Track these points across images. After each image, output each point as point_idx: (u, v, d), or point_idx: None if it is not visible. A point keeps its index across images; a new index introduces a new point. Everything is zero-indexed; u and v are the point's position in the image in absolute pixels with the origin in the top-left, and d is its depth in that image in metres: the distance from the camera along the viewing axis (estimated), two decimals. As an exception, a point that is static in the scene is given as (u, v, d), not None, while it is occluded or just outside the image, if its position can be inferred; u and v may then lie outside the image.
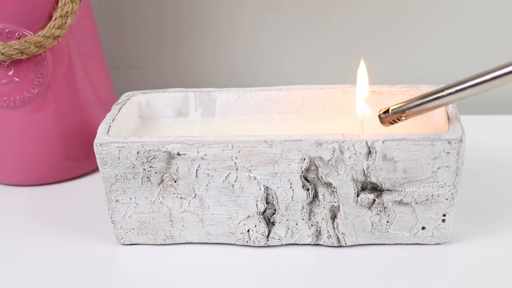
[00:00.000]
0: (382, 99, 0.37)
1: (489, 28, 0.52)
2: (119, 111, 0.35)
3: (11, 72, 0.39)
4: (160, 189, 0.33)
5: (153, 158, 0.32)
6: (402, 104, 0.32)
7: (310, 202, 0.32)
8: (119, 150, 0.31)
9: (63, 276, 0.32)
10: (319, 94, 0.37)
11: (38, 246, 0.35)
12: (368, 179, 0.31)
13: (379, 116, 0.33)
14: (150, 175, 0.32)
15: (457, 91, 0.30)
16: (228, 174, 0.32)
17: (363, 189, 0.31)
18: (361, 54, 0.53)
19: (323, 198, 0.32)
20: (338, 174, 0.31)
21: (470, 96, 0.29)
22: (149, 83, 0.57)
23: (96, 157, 0.32)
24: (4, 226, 0.38)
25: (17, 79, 0.39)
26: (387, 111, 0.33)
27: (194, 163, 0.32)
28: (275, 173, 0.31)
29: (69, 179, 0.43)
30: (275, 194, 0.32)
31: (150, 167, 0.32)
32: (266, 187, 0.32)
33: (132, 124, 0.37)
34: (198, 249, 0.34)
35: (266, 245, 0.34)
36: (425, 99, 0.31)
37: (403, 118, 0.32)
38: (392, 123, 0.33)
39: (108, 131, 0.33)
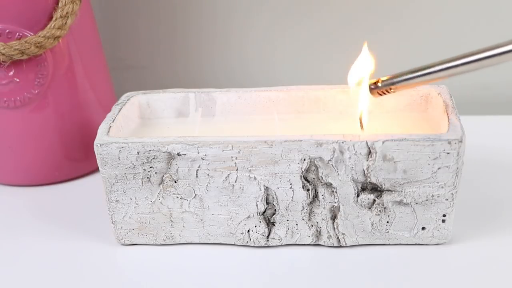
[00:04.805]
0: (382, 100, 0.37)
1: (489, 28, 0.52)
2: (119, 111, 0.35)
3: (11, 73, 0.39)
4: (160, 190, 0.33)
5: (153, 158, 0.32)
6: (392, 76, 0.32)
7: (310, 203, 0.32)
8: (119, 150, 0.31)
9: (63, 276, 0.32)
10: (319, 94, 0.37)
11: (38, 246, 0.35)
12: (368, 179, 0.31)
13: (369, 87, 0.33)
14: (150, 176, 0.32)
15: (447, 68, 0.30)
16: (228, 175, 0.32)
17: (363, 189, 0.32)
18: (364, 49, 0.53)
19: (323, 198, 0.32)
20: (338, 174, 0.31)
21: (459, 73, 0.29)
22: (149, 83, 0.57)
23: (97, 157, 0.32)
24: (5, 226, 0.38)
25: (18, 80, 0.39)
26: (377, 82, 0.33)
27: (194, 163, 0.32)
28: (275, 174, 0.31)
29: (70, 180, 0.43)
30: (275, 194, 0.32)
31: (150, 167, 0.32)
32: (266, 187, 0.32)
33: (132, 124, 0.37)
34: (198, 250, 0.34)
35: (266, 245, 0.34)
36: (415, 74, 0.31)
37: (392, 90, 0.32)
38: (381, 95, 0.33)
39: (109, 131, 0.33)
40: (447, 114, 0.32)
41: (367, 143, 0.30)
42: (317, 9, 0.53)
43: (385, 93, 0.33)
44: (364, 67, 0.34)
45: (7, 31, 0.38)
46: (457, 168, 0.30)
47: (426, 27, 0.52)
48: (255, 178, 0.32)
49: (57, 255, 0.34)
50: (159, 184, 0.32)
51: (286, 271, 0.32)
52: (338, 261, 0.32)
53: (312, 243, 0.33)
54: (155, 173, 0.32)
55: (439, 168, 0.30)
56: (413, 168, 0.30)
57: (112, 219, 0.34)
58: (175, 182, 0.32)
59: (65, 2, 0.38)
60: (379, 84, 0.33)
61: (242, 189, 0.32)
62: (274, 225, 0.33)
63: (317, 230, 0.33)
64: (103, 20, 0.53)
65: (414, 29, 0.53)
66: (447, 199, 0.31)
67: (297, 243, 0.34)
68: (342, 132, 0.32)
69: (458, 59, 0.29)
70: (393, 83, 0.32)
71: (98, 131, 0.33)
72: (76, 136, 0.42)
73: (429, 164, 0.30)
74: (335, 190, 0.32)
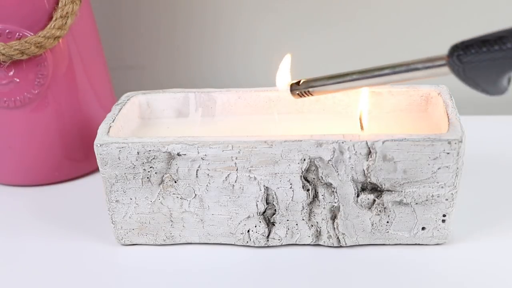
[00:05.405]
0: (382, 100, 0.37)
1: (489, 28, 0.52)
2: (119, 111, 0.35)
3: (11, 73, 0.39)
4: (160, 190, 0.33)
5: (153, 158, 0.32)
6: (311, 79, 0.32)
7: (310, 203, 0.32)
8: (119, 150, 0.31)
9: (63, 276, 0.32)
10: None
11: (38, 246, 0.35)
12: (368, 179, 0.31)
13: (290, 87, 0.33)
14: (150, 176, 0.32)
15: (364, 77, 0.30)
16: (228, 175, 0.32)
17: (363, 189, 0.32)
18: (361, 55, 0.54)
19: (323, 198, 0.32)
20: (338, 174, 0.31)
21: (377, 84, 0.30)
22: (149, 83, 0.57)
23: (97, 157, 0.32)
24: (5, 226, 0.38)
25: (18, 80, 0.39)
26: (298, 82, 0.33)
27: (194, 163, 0.32)
28: (275, 174, 0.31)
29: (70, 180, 0.43)
30: (275, 194, 0.32)
31: (150, 167, 0.32)
32: (266, 187, 0.32)
33: (132, 124, 0.37)
34: (198, 250, 0.34)
35: (266, 245, 0.34)
36: (333, 81, 0.31)
37: (311, 93, 0.33)
38: (301, 96, 0.33)
39: (109, 131, 0.33)
40: (447, 114, 0.32)
41: (367, 143, 0.30)
42: (317, 11, 0.53)
43: (304, 95, 0.33)
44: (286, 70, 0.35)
45: (7, 31, 0.38)
46: (457, 168, 0.30)
47: (428, 31, 0.53)
48: (255, 178, 0.32)
49: (57, 255, 0.34)
50: (159, 184, 0.32)
51: (286, 271, 0.32)
52: (338, 261, 0.32)
53: (312, 243, 0.33)
54: (155, 173, 0.32)
55: (439, 168, 0.30)
56: (413, 168, 0.30)
57: (112, 219, 0.34)
58: (175, 182, 0.32)
59: (65, 2, 0.38)
60: (300, 86, 0.33)
61: (242, 189, 0.32)
62: (274, 225, 0.33)
63: (317, 230, 0.33)
64: (103, 20, 0.53)
65: (419, 32, 0.53)
66: (447, 199, 0.31)
67: (297, 243, 0.34)
68: (342, 132, 0.32)
69: (376, 70, 0.29)
70: (311, 86, 0.32)
71: (98, 131, 0.33)
72: (76, 136, 0.42)
73: (429, 164, 0.30)
74: (335, 190, 0.32)
